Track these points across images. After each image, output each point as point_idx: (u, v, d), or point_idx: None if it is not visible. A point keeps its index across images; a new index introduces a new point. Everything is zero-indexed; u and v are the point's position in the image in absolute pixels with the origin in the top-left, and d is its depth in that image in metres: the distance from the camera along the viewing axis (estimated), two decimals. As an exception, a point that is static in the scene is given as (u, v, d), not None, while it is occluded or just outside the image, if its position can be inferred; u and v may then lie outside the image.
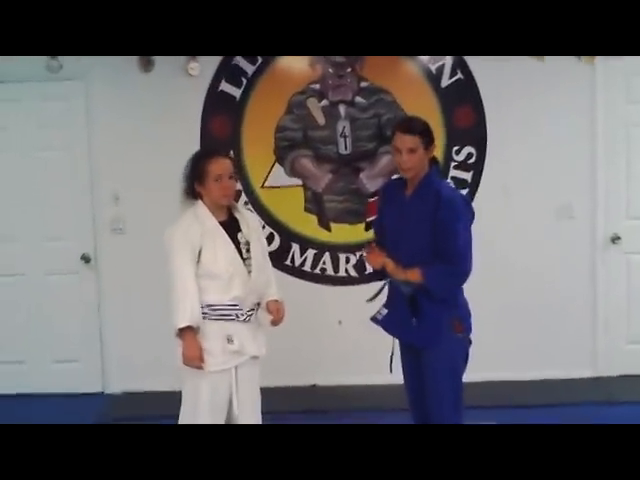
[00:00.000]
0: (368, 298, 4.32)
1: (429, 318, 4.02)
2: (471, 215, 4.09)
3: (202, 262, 4.00)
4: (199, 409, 4.02)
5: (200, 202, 4.12)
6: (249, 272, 4.09)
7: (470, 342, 4.13)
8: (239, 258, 4.06)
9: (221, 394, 4.04)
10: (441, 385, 4.03)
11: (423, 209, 3.99)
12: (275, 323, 4.23)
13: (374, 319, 4.27)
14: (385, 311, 4.23)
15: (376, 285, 4.38)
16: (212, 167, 4.06)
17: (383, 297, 4.32)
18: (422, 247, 3.97)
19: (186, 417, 4.09)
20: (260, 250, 4.20)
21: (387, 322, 4.22)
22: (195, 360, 3.99)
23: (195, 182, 4.11)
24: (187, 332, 3.99)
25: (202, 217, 4.06)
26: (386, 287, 4.28)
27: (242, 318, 4.06)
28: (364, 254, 4.24)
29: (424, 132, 4.06)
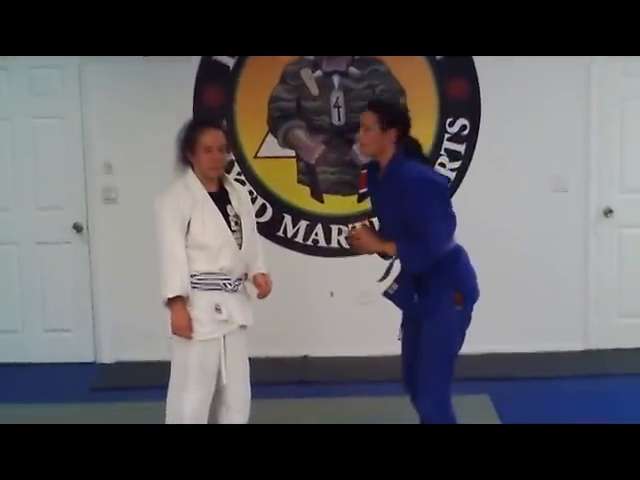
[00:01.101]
0: (379, 278, 4.25)
1: (431, 294, 4.01)
2: (439, 194, 3.98)
3: (191, 232, 3.99)
4: (188, 379, 4.03)
5: (191, 172, 4.10)
6: (239, 245, 4.09)
7: (469, 318, 4.09)
8: (228, 230, 4.06)
9: (210, 363, 4.05)
10: (432, 355, 4.03)
11: (391, 194, 3.97)
12: (262, 296, 4.23)
13: (386, 294, 4.24)
14: (396, 286, 4.21)
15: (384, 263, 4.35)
16: (203, 138, 4.04)
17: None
18: (395, 230, 3.98)
19: (175, 388, 4.09)
20: (249, 224, 4.20)
21: (398, 296, 4.21)
22: (184, 329, 4.00)
23: (187, 151, 4.10)
24: (176, 302, 3.99)
25: (192, 187, 4.05)
26: (396, 263, 4.26)
27: (230, 288, 4.07)
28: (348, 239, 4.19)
29: (383, 111, 4.02)
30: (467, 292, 4.04)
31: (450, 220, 4.01)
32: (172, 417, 4.07)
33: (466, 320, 4.08)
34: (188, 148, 4.08)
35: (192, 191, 4.03)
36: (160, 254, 4.02)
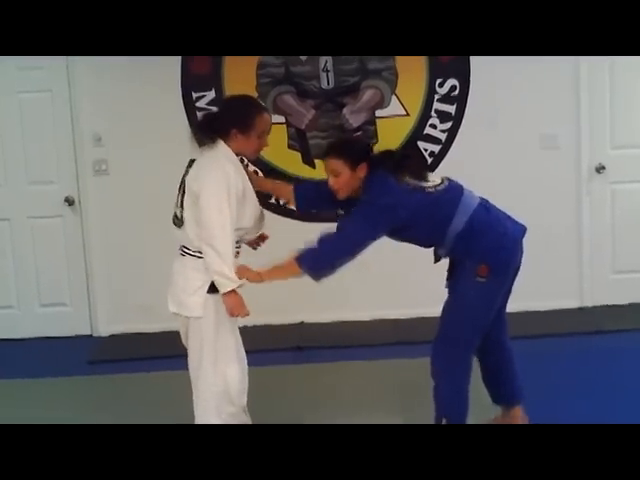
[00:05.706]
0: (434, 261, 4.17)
1: (456, 268, 4.00)
2: (387, 206, 3.88)
3: (237, 215, 3.83)
4: (231, 352, 3.93)
5: (229, 149, 3.86)
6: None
7: (499, 291, 3.97)
8: (261, 211, 4.03)
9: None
10: (446, 324, 3.99)
11: None
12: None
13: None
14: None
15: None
16: (262, 122, 3.89)
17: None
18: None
19: (212, 364, 3.90)
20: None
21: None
22: (244, 308, 3.87)
23: (234, 127, 3.85)
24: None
25: (238, 168, 3.88)
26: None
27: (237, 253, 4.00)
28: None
29: (347, 153, 3.94)
30: (493, 264, 3.86)
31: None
32: (210, 394, 3.90)
33: (494, 293, 3.94)
34: (239, 125, 3.85)
35: (239, 170, 3.87)
36: (217, 239, 3.73)
